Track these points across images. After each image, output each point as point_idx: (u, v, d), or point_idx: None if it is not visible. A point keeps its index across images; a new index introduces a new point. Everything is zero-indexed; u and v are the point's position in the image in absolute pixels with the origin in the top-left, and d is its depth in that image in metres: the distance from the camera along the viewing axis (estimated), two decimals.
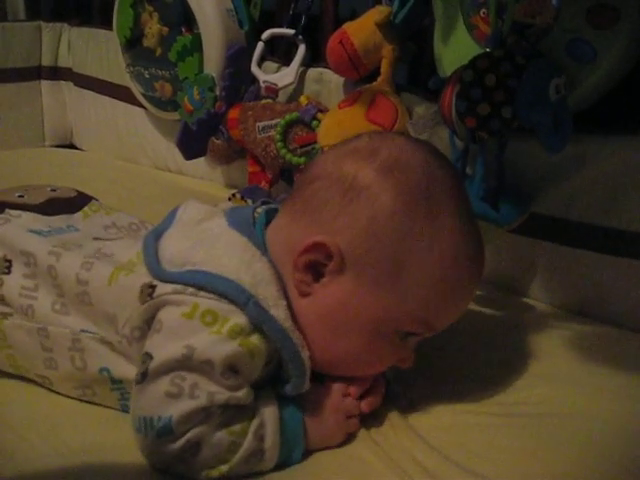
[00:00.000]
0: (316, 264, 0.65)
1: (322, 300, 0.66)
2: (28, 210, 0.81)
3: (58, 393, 0.74)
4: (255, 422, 0.62)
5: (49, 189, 0.87)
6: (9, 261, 0.74)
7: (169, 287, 0.64)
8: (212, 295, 0.62)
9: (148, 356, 0.62)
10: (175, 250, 0.68)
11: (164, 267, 0.67)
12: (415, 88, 1.12)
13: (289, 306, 0.65)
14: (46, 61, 1.81)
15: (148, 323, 0.65)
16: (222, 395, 0.60)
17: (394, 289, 0.65)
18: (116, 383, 0.69)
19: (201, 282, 0.63)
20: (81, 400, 0.72)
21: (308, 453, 0.65)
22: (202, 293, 0.63)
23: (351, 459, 0.65)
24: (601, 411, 0.71)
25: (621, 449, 0.66)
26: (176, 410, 0.59)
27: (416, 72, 1.19)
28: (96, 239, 0.76)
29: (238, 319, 0.62)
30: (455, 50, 0.99)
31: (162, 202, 0.89)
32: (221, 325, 0.61)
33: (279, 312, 0.63)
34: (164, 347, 0.62)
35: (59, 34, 1.80)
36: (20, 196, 0.84)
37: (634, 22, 0.83)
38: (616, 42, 0.84)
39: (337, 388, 0.68)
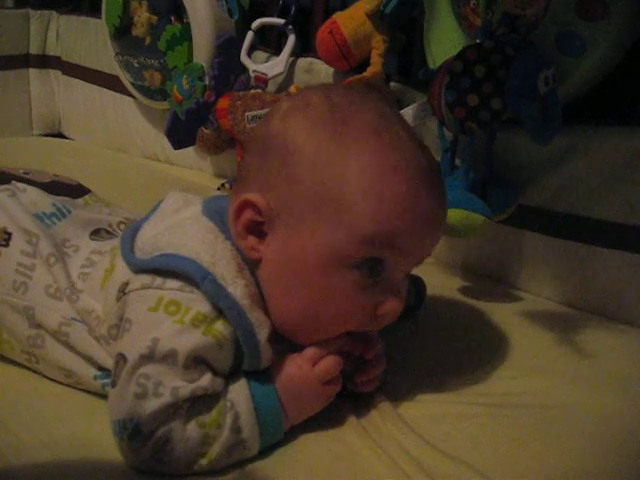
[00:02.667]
0: (253, 224, 0.65)
1: (271, 259, 0.65)
2: (34, 186, 0.82)
3: (42, 377, 0.73)
4: (229, 415, 0.62)
5: (51, 174, 0.90)
6: (9, 234, 0.75)
7: (138, 282, 0.64)
8: (175, 284, 0.63)
9: (121, 357, 0.62)
10: (146, 237, 0.68)
11: (136, 255, 0.67)
12: (405, 79, 1.12)
13: (257, 285, 0.65)
14: (34, 49, 1.80)
15: (122, 320, 0.65)
16: (186, 389, 0.60)
17: (328, 217, 0.62)
18: (102, 370, 0.69)
19: (161, 264, 0.64)
20: (65, 385, 0.72)
21: (298, 440, 0.65)
22: (167, 284, 0.63)
23: (341, 448, 0.65)
24: (590, 402, 0.72)
25: (610, 440, 0.67)
26: (143, 411, 0.59)
27: (406, 63, 1.19)
28: (93, 239, 0.76)
29: (200, 307, 0.62)
30: (445, 41, 0.99)
31: (151, 191, 0.89)
32: (184, 314, 0.61)
33: (236, 290, 0.62)
34: (133, 346, 0.62)
35: (47, 22, 1.79)
36: (25, 173, 0.86)
37: (623, 14, 0.83)
38: (605, 34, 0.84)
39: (304, 358, 0.65)
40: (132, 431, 0.59)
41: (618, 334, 0.86)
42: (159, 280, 0.64)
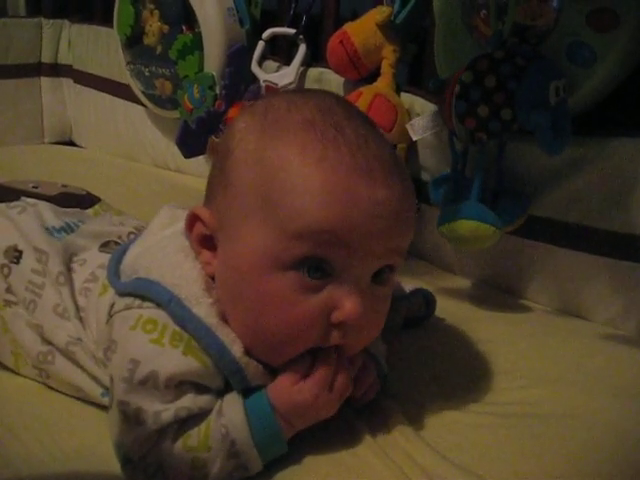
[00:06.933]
0: (205, 238, 0.64)
1: (219, 272, 0.63)
2: (43, 200, 0.82)
3: (52, 390, 0.74)
4: (225, 443, 0.59)
5: (60, 185, 0.90)
6: (20, 252, 0.75)
7: (122, 303, 0.64)
8: (152, 304, 0.62)
9: (112, 380, 0.62)
10: (128, 259, 0.68)
11: (121, 277, 0.67)
12: (415, 89, 1.12)
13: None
14: (46, 58, 1.81)
15: (111, 341, 0.65)
16: (168, 412, 0.58)
17: (258, 218, 0.59)
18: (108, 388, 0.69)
19: (134, 288, 0.63)
20: (75, 398, 0.72)
21: (303, 447, 0.64)
22: (146, 304, 0.62)
23: (348, 456, 0.64)
24: (599, 412, 0.71)
25: (619, 450, 0.66)
26: (127, 438, 0.59)
27: (416, 73, 1.19)
28: (102, 250, 0.76)
29: (177, 326, 0.61)
30: (455, 51, 1.00)
31: (161, 200, 0.89)
32: (161, 333, 0.60)
33: (201, 309, 0.61)
34: (117, 368, 0.61)
35: (59, 31, 1.80)
36: (34, 187, 0.86)
37: (634, 26, 0.83)
38: (616, 45, 0.84)
39: (297, 370, 0.62)
40: (123, 458, 0.59)
41: (628, 344, 0.86)
42: (139, 301, 0.63)
